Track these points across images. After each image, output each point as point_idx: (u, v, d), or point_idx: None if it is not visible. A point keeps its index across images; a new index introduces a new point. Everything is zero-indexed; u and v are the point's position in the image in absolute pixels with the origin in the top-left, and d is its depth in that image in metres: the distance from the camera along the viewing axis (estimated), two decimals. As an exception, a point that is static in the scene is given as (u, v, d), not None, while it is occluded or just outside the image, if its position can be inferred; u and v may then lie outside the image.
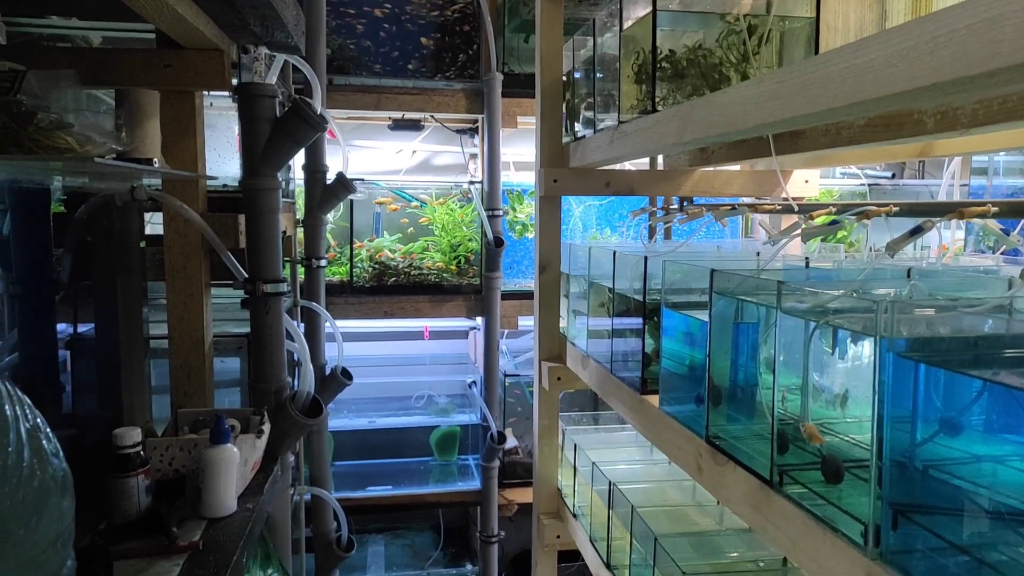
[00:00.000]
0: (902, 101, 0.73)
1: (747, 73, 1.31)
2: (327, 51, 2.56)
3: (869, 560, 0.81)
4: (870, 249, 1.37)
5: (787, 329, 1.00)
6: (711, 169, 2.14)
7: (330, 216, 2.81)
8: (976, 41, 0.60)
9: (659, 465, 2.02)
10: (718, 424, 1.19)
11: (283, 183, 2.29)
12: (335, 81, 2.78)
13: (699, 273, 1.27)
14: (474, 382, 3.17)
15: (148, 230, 1.96)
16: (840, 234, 2.02)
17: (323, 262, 2.58)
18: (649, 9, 1.36)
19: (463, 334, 3.54)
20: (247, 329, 1.81)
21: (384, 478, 3.08)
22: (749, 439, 1.11)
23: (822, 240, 1.98)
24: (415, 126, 3.10)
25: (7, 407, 0.86)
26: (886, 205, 1.17)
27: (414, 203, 3.04)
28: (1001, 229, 1.09)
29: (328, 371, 2.33)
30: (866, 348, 0.86)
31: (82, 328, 1.90)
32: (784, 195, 2.11)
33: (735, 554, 1.56)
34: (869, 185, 3.26)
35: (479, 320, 3.04)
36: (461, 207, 3.03)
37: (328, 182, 2.51)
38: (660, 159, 2.38)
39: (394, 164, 3.41)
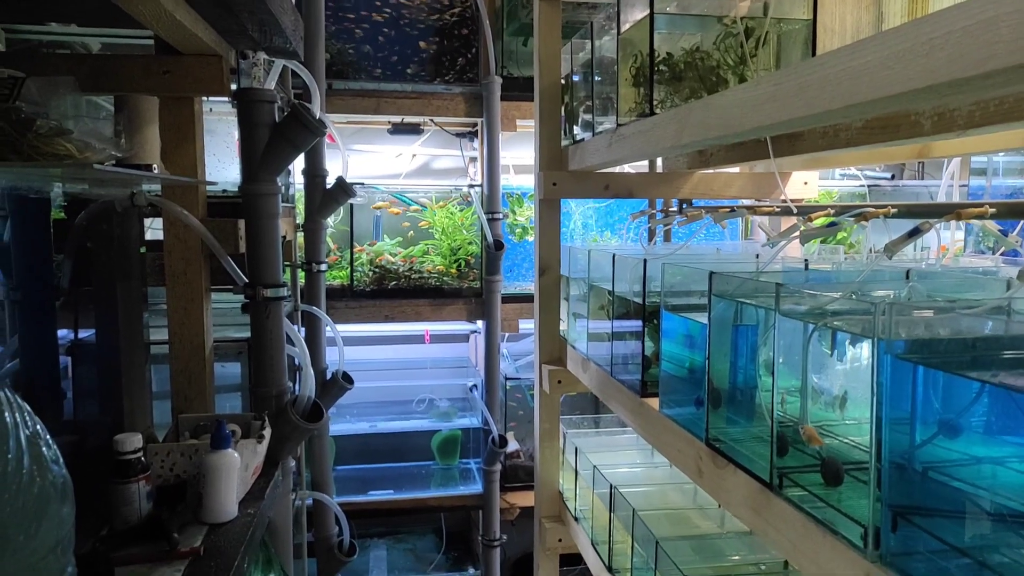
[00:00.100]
0: (898, 103, 0.73)
1: (745, 75, 1.32)
2: (326, 56, 2.56)
3: (869, 563, 0.81)
4: (869, 250, 1.37)
5: (786, 331, 1.00)
6: (710, 171, 2.15)
7: (330, 220, 2.82)
8: (972, 43, 0.60)
9: (660, 468, 2.02)
10: (718, 427, 1.19)
11: (283, 188, 2.30)
12: (334, 86, 2.78)
13: (698, 275, 1.27)
14: (475, 385, 3.17)
15: (148, 235, 1.96)
16: (840, 235, 2.02)
17: (323, 266, 2.58)
18: (647, 12, 1.36)
19: (464, 337, 3.54)
20: (247, 334, 1.81)
21: (386, 482, 3.08)
22: (749, 442, 1.11)
23: (821, 242, 1.98)
24: (414, 130, 3.10)
25: (7, 414, 0.86)
26: (884, 206, 1.17)
27: (414, 207, 3.04)
28: (999, 230, 1.09)
29: (329, 375, 2.34)
30: (865, 350, 0.86)
31: (83, 334, 1.91)
32: (783, 197, 2.11)
33: (736, 557, 1.56)
34: (869, 186, 3.26)
35: (480, 323, 3.04)
36: (461, 210, 3.04)
37: (328, 186, 2.51)
38: (659, 161, 2.38)
39: (394, 168, 3.41)
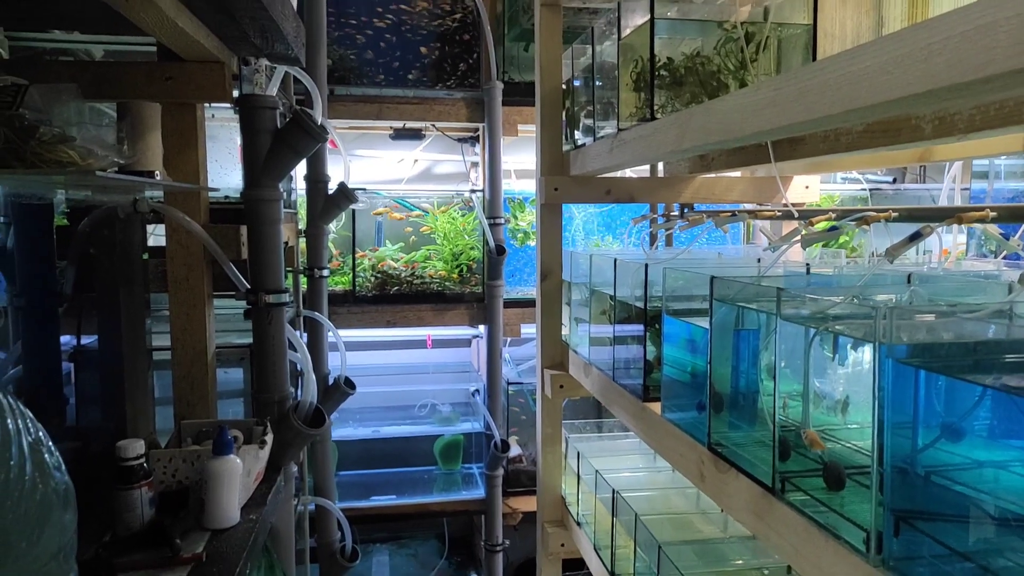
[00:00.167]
0: (898, 108, 0.73)
1: (745, 80, 1.32)
2: (328, 62, 2.57)
3: (872, 567, 0.80)
4: (872, 254, 1.37)
5: (787, 336, 1.00)
6: (711, 176, 2.15)
7: (332, 226, 2.82)
8: (970, 48, 0.60)
9: (663, 472, 2.01)
10: (720, 431, 1.19)
11: (285, 193, 2.30)
12: (336, 91, 2.79)
13: (700, 280, 1.28)
14: (477, 390, 3.17)
15: (151, 241, 1.96)
16: (841, 239, 2.02)
17: (326, 272, 2.59)
18: (647, 17, 1.37)
19: (466, 342, 3.54)
20: (250, 340, 1.81)
21: (388, 487, 3.08)
22: (751, 446, 1.11)
23: (824, 246, 1.98)
24: (416, 135, 3.11)
25: (9, 421, 0.86)
26: (885, 210, 1.17)
27: (416, 212, 3.04)
28: (1000, 234, 1.09)
29: (331, 381, 2.34)
30: (866, 354, 0.86)
31: (85, 340, 1.91)
32: (784, 201, 2.11)
33: (740, 561, 1.56)
34: (870, 190, 3.26)
35: (482, 328, 3.04)
36: (463, 215, 3.04)
37: (330, 192, 2.51)
38: (660, 166, 2.38)
39: (396, 173, 3.42)
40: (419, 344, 3.45)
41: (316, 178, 2.50)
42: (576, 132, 2.01)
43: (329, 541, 2.61)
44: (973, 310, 0.84)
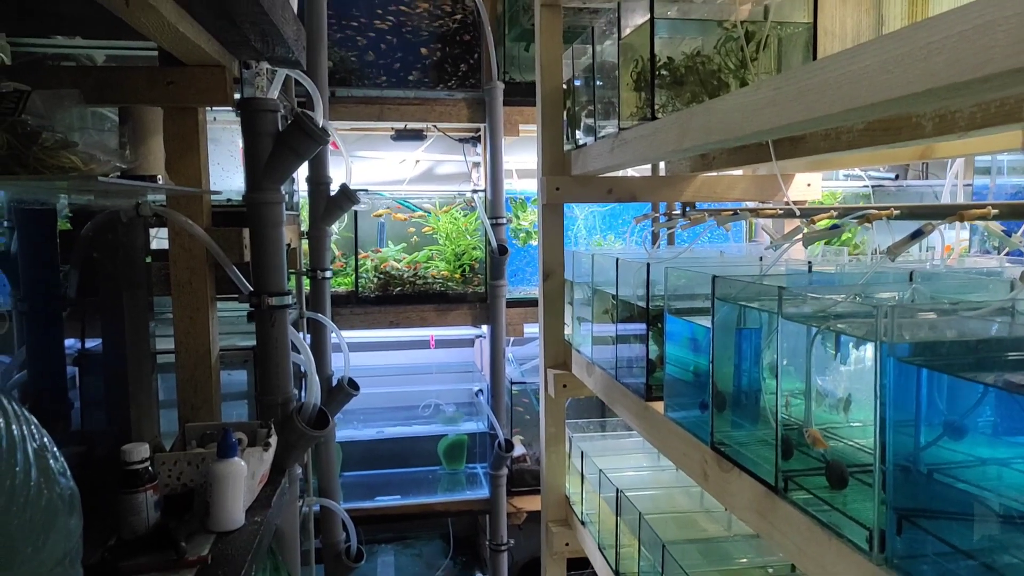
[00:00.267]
0: (898, 106, 0.73)
1: (746, 79, 1.32)
2: (329, 64, 2.57)
3: (875, 565, 0.80)
4: (874, 252, 1.37)
5: (789, 334, 1.00)
6: (713, 174, 2.15)
7: (335, 227, 2.82)
8: (969, 47, 0.60)
9: (666, 471, 2.01)
10: (723, 430, 1.19)
11: (287, 195, 2.30)
12: (337, 93, 2.79)
13: (702, 279, 1.28)
14: (481, 390, 3.17)
15: (154, 245, 1.97)
16: (843, 237, 2.01)
17: (328, 273, 2.59)
18: (647, 17, 1.37)
19: (469, 342, 3.54)
20: (253, 342, 1.82)
21: (392, 488, 3.08)
22: (754, 445, 1.11)
23: (826, 243, 1.98)
24: (418, 136, 3.11)
25: (14, 427, 0.86)
26: (887, 208, 1.17)
27: (418, 212, 3.04)
28: (1003, 230, 1.09)
29: (335, 382, 2.34)
30: (868, 353, 0.86)
31: (89, 344, 1.91)
32: (786, 199, 2.11)
33: (744, 560, 1.56)
34: (872, 187, 3.26)
35: (485, 328, 3.04)
36: (465, 216, 3.04)
37: (332, 194, 2.52)
38: (662, 165, 2.38)
39: (397, 174, 3.42)
40: (422, 344, 3.46)
41: (318, 180, 2.51)
42: (577, 132, 2.01)
43: (334, 542, 2.61)
44: (975, 308, 0.84)
